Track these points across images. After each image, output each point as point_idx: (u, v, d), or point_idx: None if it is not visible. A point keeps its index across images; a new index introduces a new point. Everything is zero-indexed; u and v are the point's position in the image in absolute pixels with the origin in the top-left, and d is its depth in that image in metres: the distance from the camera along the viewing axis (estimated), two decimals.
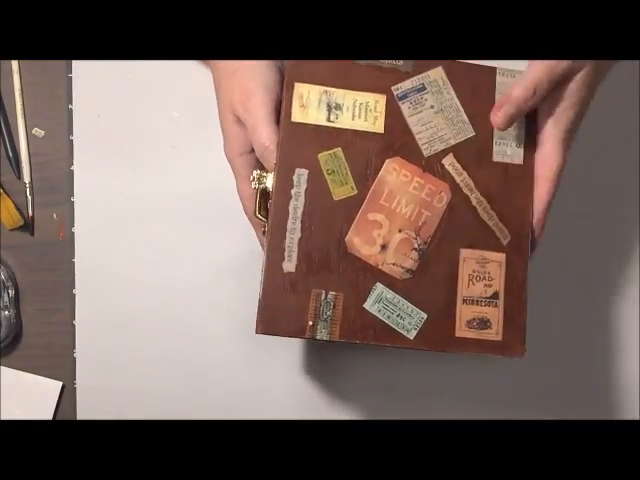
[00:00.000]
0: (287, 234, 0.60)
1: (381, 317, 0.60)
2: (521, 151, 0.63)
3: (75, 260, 0.74)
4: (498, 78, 0.63)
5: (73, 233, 0.74)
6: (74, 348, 0.74)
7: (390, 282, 0.60)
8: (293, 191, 0.60)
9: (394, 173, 0.61)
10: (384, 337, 0.60)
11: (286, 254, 0.59)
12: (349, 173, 0.61)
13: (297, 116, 0.61)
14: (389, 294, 0.60)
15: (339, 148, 0.61)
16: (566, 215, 0.73)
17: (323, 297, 0.59)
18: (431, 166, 0.61)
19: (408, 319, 0.60)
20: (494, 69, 0.63)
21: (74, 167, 0.74)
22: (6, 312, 0.73)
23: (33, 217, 0.74)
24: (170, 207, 0.73)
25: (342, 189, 0.60)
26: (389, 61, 0.62)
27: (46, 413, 0.74)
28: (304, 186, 0.60)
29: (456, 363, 0.74)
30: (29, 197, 0.74)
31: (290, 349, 0.74)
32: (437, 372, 0.74)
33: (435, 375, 0.74)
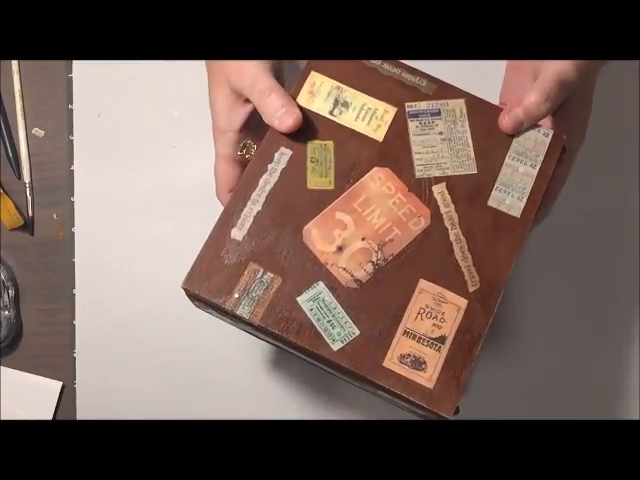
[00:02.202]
0: (248, 203, 0.58)
1: (311, 317, 0.56)
2: (522, 205, 0.59)
3: (75, 260, 0.74)
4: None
5: (73, 233, 0.74)
6: (74, 348, 0.74)
7: (333, 286, 0.56)
8: (270, 166, 0.58)
9: (378, 182, 0.59)
10: (305, 338, 0.55)
11: (239, 221, 0.57)
12: (332, 167, 0.59)
13: (302, 100, 0.60)
14: (327, 297, 0.56)
15: (331, 141, 0.60)
16: (566, 215, 0.73)
17: (259, 275, 0.56)
18: (419, 188, 0.59)
19: (338, 329, 0.56)
20: None
21: (74, 167, 0.74)
22: (6, 312, 0.73)
23: (33, 217, 0.74)
24: (170, 207, 0.73)
25: (319, 180, 0.59)
26: (413, 79, 0.61)
27: (46, 413, 0.74)
28: (282, 165, 0.59)
29: None
30: (29, 197, 0.74)
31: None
32: None
33: None
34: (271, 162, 0.59)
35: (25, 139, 0.74)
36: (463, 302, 0.56)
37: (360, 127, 0.60)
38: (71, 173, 0.74)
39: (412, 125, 0.60)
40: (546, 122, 0.61)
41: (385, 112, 0.60)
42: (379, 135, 0.60)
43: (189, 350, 0.74)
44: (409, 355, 0.55)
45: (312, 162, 0.59)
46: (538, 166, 0.59)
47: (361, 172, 0.59)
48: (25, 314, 0.75)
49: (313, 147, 0.60)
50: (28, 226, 0.74)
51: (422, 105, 0.60)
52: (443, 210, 0.58)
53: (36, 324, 0.75)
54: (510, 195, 0.59)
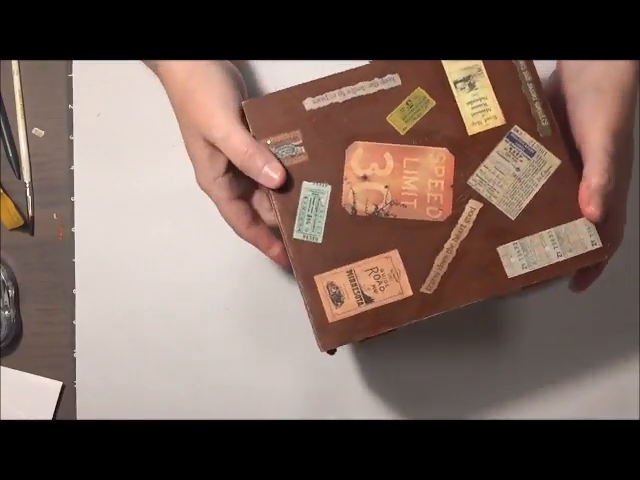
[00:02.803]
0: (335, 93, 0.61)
1: (300, 201, 0.59)
2: (519, 271, 0.59)
3: (75, 260, 0.74)
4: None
5: (73, 233, 0.74)
6: (74, 348, 0.74)
7: (335, 197, 0.59)
8: (375, 80, 0.61)
9: (436, 159, 0.60)
10: (284, 208, 0.59)
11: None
12: (416, 120, 0.60)
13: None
14: (324, 200, 0.60)
15: (434, 103, 0.60)
16: None
17: (295, 142, 0.60)
18: (461, 191, 0.60)
19: (309, 227, 0.59)
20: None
21: (74, 167, 0.74)
22: (6, 312, 0.73)
23: (33, 217, 0.74)
24: (170, 207, 0.73)
25: (399, 121, 0.60)
26: (539, 112, 0.60)
27: (46, 413, 0.74)
28: (384, 87, 0.61)
29: (456, 363, 0.74)
30: (29, 197, 0.74)
31: (290, 349, 0.74)
32: (437, 372, 0.74)
33: (435, 375, 0.74)
34: (379, 77, 0.60)
35: (25, 139, 0.74)
36: (407, 292, 0.59)
37: (465, 112, 0.60)
38: (71, 173, 0.74)
39: (503, 144, 0.60)
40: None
41: (494, 118, 0.61)
42: (472, 130, 0.60)
43: (189, 350, 0.74)
44: (337, 288, 0.59)
45: (407, 104, 0.60)
46: (562, 258, 0.60)
47: (432, 142, 0.60)
48: (25, 314, 0.75)
49: (418, 94, 0.60)
50: (28, 226, 0.74)
51: (526, 138, 0.60)
52: (461, 221, 0.60)
53: (36, 324, 0.75)
54: (520, 257, 0.60)
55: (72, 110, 0.74)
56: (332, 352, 0.61)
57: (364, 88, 0.60)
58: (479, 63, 0.61)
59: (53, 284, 0.74)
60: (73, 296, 0.74)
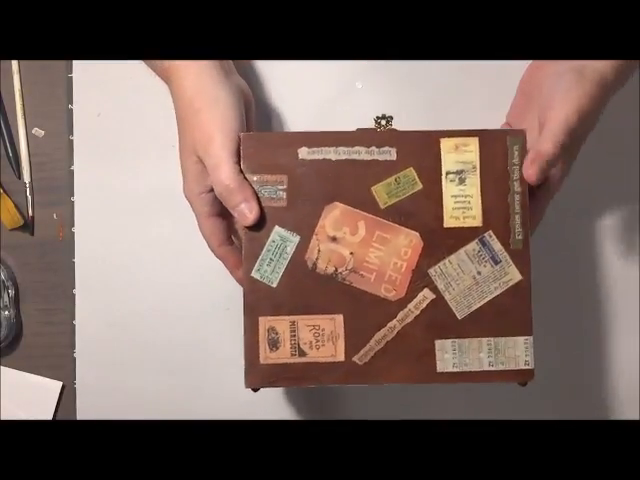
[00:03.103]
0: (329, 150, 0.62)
1: (267, 242, 0.61)
2: (452, 370, 0.61)
3: (75, 260, 0.74)
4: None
5: (73, 233, 0.74)
6: (74, 348, 0.74)
7: (301, 249, 0.61)
8: (371, 149, 0.61)
9: (406, 241, 0.61)
10: (249, 245, 0.61)
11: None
12: (399, 197, 0.61)
13: (445, 145, 0.61)
14: (289, 249, 0.61)
15: (422, 187, 0.61)
16: (566, 215, 0.73)
17: (277, 185, 0.61)
18: (419, 278, 0.61)
19: (268, 270, 0.61)
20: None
21: (74, 167, 0.74)
22: (6, 312, 0.73)
23: (33, 217, 0.74)
24: (170, 207, 0.73)
25: (383, 195, 0.61)
26: (518, 225, 0.61)
27: (46, 413, 0.74)
28: (379, 157, 0.61)
29: None
30: (29, 197, 0.74)
31: None
32: None
33: None
34: (377, 147, 0.61)
35: (25, 139, 0.74)
36: (340, 357, 0.61)
37: (447, 203, 0.61)
38: (71, 173, 0.74)
39: (473, 245, 0.61)
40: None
41: (472, 217, 0.61)
42: (449, 223, 0.61)
43: (189, 350, 0.74)
44: (276, 334, 0.61)
45: (395, 180, 0.61)
46: (492, 368, 0.61)
47: (407, 223, 0.61)
48: (25, 314, 0.75)
49: (408, 174, 0.61)
50: (28, 226, 0.74)
51: (497, 246, 0.61)
52: (410, 306, 0.61)
53: (36, 324, 0.75)
54: (454, 356, 0.61)
55: (72, 110, 0.74)
56: (256, 390, 0.63)
57: (359, 153, 0.61)
58: (475, 161, 0.61)
59: (53, 284, 0.74)
60: (73, 296, 0.74)
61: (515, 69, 0.69)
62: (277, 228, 0.61)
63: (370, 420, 0.73)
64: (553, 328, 0.74)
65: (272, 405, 0.74)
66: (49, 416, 0.74)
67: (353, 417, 0.74)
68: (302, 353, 0.61)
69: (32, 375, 0.74)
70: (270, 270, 0.61)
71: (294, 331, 0.61)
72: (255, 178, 0.61)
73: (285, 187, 0.61)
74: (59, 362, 0.74)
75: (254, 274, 0.61)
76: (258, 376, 0.61)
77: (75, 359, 0.74)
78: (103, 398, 0.74)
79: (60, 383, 0.74)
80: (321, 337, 0.61)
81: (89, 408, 0.74)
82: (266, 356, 0.61)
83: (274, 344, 0.61)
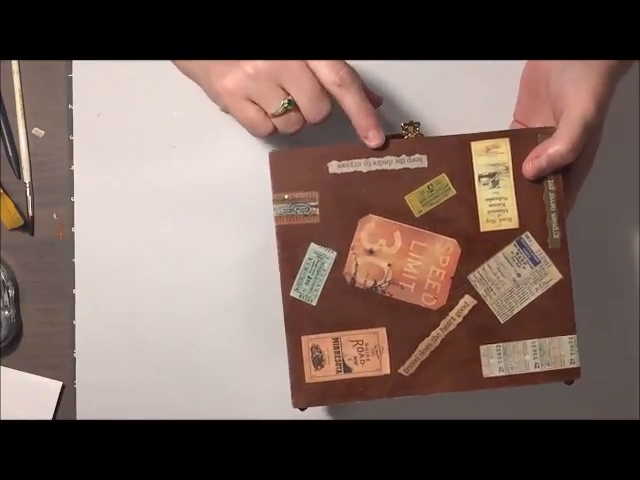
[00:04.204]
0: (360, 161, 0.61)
1: (304, 260, 0.60)
2: (499, 375, 0.62)
3: (75, 260, 0.74)
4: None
5: (73, 233, 0.74)
6: (74, 348, 0.74)
7: (338, 265, 0.61)
8: (402, 157, 0.61)
9: (443, 249, 0.61)
10: (287, 265, 0.61)
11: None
12: (434, 205, 0.61)
13: (476, 148, 0.61)
14: (327, 265, 0.61)
15: (455, 193, 0.61)
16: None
17: (313, 203, 0.60)
18: (459, 284, 0.61)
19: (307, 288, 0.61)
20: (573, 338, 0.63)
21: (74, 167, 0.74)
22: (6, 312, 0.73)
23: (33, 217, 0.74)
24: (170, 207, 0.73)
25: (417, 203, 0.61)
26: (554, 224, 0.61)
27: (46, 413, 0.74)
28: (409, 165, 0.61)
29: None
30: (29, 197, 0.74)
31: None
32: None
33: None
34: (408, 155, 0.61)
35: (25, 139, 0.74)
36: (385, 370, 0.61)
37: (482, 208, 0.61)
38: (71, 173, 0.74)
39: (511, 247, 0.61)
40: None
41: (509, 220, 0.61)
42: (485, 227, 0.61)
43: (189, 350, 0.74)
44: (320, 352, 0.61)
45: (428, 188, 0.61)
46: (538, 369, 0.62)
47: (444, 231, 0.61)
48: (25, 314, 0.75)
49: (441, 180, 0.61)
50: (28, 226, 0.74)
51: (535, 246, 0.61)
52: (452, 314, 0.61)
53: (36, 324, 0.75)
54: (499, 360, 0.61)
55: (72, 110, 0.74)
56: (303, 409, 0.63)
57: (390, 163, 0.61)
58: (509, 159, 0.61)
59: (53, 284, 0.74)
60: (73, 296, 0.74)
61: (515, 69, 0.69)
62: (313, 245, 0.61)
63: (370, 420, 0.73)
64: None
65: (272, 405, 0.74)
66: (49, 416, 0.74)
67: (353, 417, 0.74)
68: (347, 369, 0.61)
69: (32, 375, 0.74)
70: (309, 288, 0.61)
71: (338, 348, 0.61)
72: (286, 196, 0.60)
73: (317, 203, 0.60)
74: (59, 362, 0.74)
75: (293, 294, 0.61)
76: (304, 395, 0.61)
77: (75, 359, 0.74)
78: (103, 398, 0.74)
79: (60, 383, 0.74)
80: (365, 352, 0.61)
81: (89, 408, 0.74)
82: (311, 375, 0.61)
83: (319, 362, 0.61)
